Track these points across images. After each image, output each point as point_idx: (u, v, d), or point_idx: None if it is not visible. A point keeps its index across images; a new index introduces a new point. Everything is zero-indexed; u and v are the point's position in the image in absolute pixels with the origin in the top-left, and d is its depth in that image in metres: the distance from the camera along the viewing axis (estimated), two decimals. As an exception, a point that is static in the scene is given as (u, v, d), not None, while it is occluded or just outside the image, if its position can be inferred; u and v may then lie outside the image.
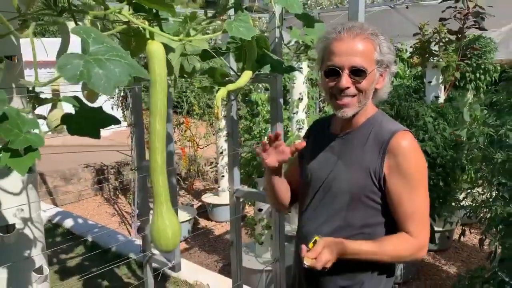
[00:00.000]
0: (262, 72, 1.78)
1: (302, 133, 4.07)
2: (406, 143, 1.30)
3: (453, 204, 3.64)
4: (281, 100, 1.91)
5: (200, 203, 5.84)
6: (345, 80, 1.27)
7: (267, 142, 1.38)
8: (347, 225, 1.35)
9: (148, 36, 1.21)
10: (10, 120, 0.95)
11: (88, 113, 1.10)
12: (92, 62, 0.91)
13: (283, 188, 1.53)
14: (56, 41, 1.56)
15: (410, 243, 1.30)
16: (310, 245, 1.24)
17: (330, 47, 1.31)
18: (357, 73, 1.27)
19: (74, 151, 7.29)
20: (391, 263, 1.40)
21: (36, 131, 1.03)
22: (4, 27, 1.02)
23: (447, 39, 4.14)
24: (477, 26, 4.10)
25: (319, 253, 1.20)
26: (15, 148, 0.94)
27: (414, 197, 1.30)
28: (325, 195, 1.40)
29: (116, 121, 1.15)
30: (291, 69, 1.70)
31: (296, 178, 1.56)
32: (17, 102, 1.32)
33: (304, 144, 1.38)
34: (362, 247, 1.28)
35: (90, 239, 4.21)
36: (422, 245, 1.31)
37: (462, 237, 2.88)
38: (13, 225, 1.42)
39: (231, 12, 1.50)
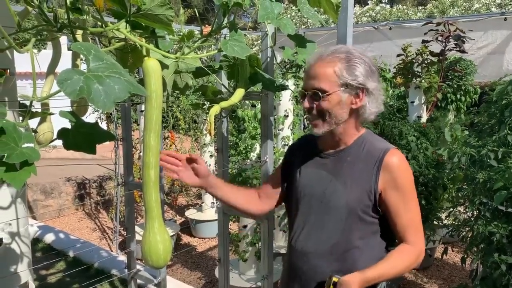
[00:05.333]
0: (253, 90, 1.81)
1: (288, 150, 4.10)
2: (398, 160, 1.40)
3: (435, 222, 3.70)
4: (272, 118, 1.94)
5: (183, 219, 5.79)
6: (306, 102, 1.40)
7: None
8: (346, 240, 1.41)
9: (144, 53, 1.23)
10: (7, 134, 0.95)
11: (84, 128, 1.10)
12: (92, 78, 0.92)
13: (234, 196, 1.58)
14: (44, 53, 1.57)
15: (413, 252, 1.40)
16: (331, 287, 1.29)
17: (305, 72, 1.44)
18: (315, 94, 1.37)
19: (55, 164, 7.19)
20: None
21: (31, 145, 1.03)
22: (1, 42, 1.03)
23: (429, 61, 4.25)
24: (458, 48, 4.24)
25: None
26: (12, 162, 0.94)
27: (409, 208, 1.40)
28: (322, 212, 1.44)
29: (111, 137, 1.16)
30: (283, 87, 1.73)
31: (275, 190, 1.62)
32: (9, 116, 1.32)
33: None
34: (380, 272, 1.34)
35: (71, 254, 4.13)
36: (420, 251, 1.42)
37: (444, 255, 2.92)
38: (0, 239, 1.40)
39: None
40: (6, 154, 0.94)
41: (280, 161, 1.58)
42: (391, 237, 1.47)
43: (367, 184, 1.39)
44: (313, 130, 1.41)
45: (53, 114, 1.44)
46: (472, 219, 2.45)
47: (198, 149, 5.63)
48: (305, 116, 5.58)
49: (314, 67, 1.39)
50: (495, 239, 2.16)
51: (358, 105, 1.41)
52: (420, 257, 1.42)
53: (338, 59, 1.37)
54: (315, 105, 1.38)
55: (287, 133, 4.34)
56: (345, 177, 1.42)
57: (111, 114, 4.84)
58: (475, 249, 2.42)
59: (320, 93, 1.36)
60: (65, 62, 1.76)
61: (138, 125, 4.42)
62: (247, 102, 4.36)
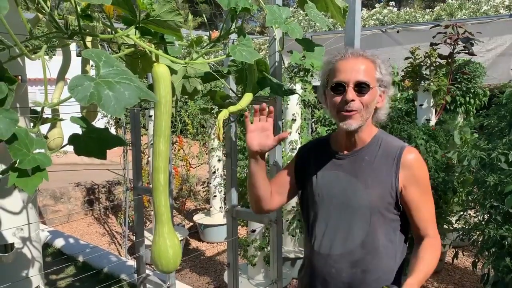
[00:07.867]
0: (262, 94, 1.81)
1: (296, 154, 4.10)
2: (416, 157, 1.44)
3: (445, 226, 3.67)
4: (280, 122, 1.94)
5: (191, 223, 5.79)
6: (351, 93, 1.37)
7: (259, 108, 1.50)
8: (371, 239, 1.42)
9: (154, 58, 1.24)
10: (19, 140, 0.96)
11: (94, 133, 1.11)
12: (102, 84, 0.93)
13: (263, 184, 1.55)
14: (54, 60, 1.59)
15: (438, 244, 1.44)
16: None
17: (335, 66, 1.42)
18: (361, 87, 1.37)
19: (64, 169, 7.24)
20: None
21: (43, 150, 1.04)
22: (13, 49, 1.04)
23: (437, 63, 4.23)
24: (466, 51, 4.21)
25: None
26: (24, 168, 0.95)
27: (428, 203, 1.45)
28: (344, 214, 1.45)
29: (122, 142, 1.16)
30: (291, 92, 1.73)
31: (285, 188, 1.61)
32: (20, 122, 1.33)
33: (287, 134, 1.49)
34: (425, 272, 1.36)
35: (81, 259, 4.16)
36: (440, 241, 1.46)
37: (455, 259, 2.89)
38: (12, 244, 1.41)
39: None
40: (18, 160, 0.95)
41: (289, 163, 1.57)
42: (407, 231, 1.50)
43: (388, 182, 1.41)
44: (347, 124, 1.38)
45: (63, 120, 1.45)
46: (483, 222, 2.43)
47: (206, 154, 5.64)
48: (312, 120, 5.57)
49: (352, 60, 1.40)
50: (506, 243, 2.14)
51: (381, 104, 1.45)
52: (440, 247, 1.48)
53: (375, 57, 1.43)
54: (358, 98, 1.37)
55: (295, 137, 4.34)
56: (365, 177, 1.43)
57: (120, 119, 4.88)
58: (486, 253, 2.40)
59: (366, 86, 1.37)
60: (74, 68, 1.79)
61: (147, 130, 4.44)
62: (255, 106, 4.37)
